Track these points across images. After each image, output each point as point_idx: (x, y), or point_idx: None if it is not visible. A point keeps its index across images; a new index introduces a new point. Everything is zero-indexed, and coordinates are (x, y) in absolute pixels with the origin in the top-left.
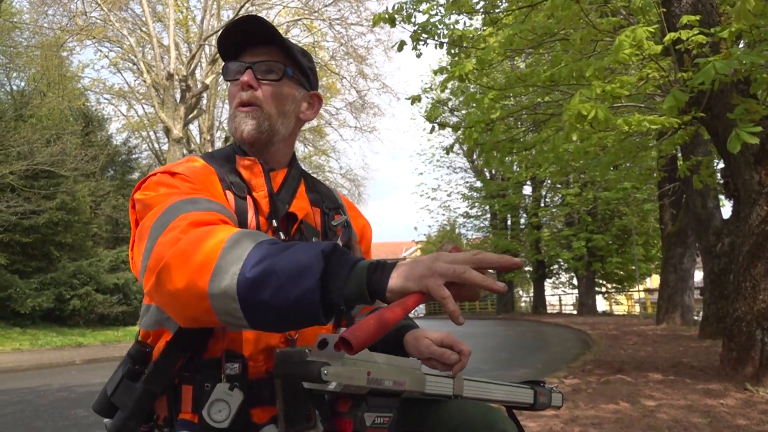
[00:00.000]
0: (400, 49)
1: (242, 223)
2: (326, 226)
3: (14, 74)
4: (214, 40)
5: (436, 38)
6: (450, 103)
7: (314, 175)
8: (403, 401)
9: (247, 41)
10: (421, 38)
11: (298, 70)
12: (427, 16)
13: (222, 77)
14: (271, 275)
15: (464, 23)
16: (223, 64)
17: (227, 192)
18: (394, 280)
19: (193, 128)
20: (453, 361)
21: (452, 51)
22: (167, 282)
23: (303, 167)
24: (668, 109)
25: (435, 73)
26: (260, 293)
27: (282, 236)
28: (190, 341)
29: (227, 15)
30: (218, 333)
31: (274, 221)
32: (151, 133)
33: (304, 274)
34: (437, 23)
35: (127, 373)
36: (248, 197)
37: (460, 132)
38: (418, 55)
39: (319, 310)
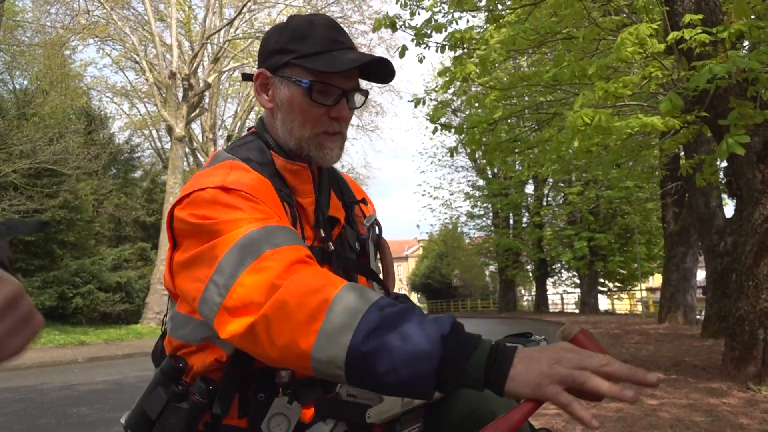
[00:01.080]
0: (401, 55)
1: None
2: (350, 221)
3: (17, 73)
4: (216, 39)
5: (438, 42)
6: (453, 105)
7: None
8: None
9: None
10: (424, 41)
11: None
12: (430, 13)
13: (293, 81)
14: (384, 354)
15: (467, 21)
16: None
17: (284, 204)
18: (512, 383)
19: (196, 127)
20: None
21: (455, 52)
22: (263, 335)
23: None
24: (666, 111)
25: (438, 74)
26: (371, 369)
27: (331, 246)
28: (246, 357)
29: (229, 13)
30: None
31: (321, 231)
32: (154, 131)
33: (421, 360)
34: (439, 24)
35: (172, 395)
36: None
37: (463, 135)
38: (420, 60)
39: (430, 394)
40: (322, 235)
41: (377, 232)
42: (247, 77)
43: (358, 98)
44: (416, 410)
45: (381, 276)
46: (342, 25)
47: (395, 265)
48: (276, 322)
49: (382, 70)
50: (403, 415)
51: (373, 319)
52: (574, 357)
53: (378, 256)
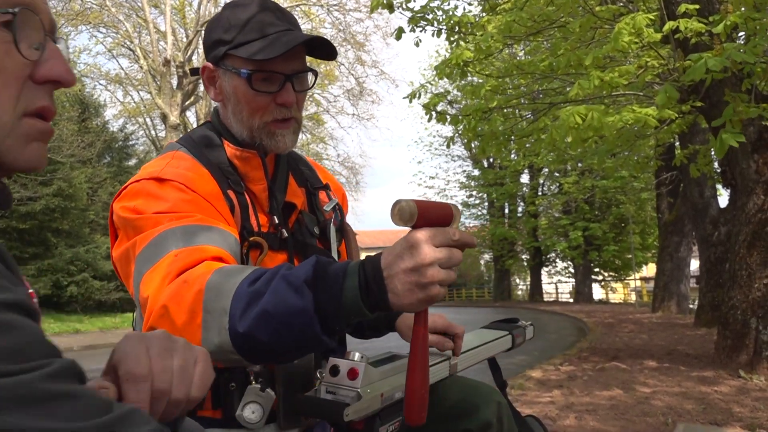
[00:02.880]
0: (398, 37)
1: (245, 220)
2: (313, 207)
3: None
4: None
5: (435, 24)
6: (449, 96)
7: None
8: None
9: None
10: (420, 24)
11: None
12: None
13: (233, 74)
14: (261, 325)
15: (464, 8)
16: (232, 60)
17: (229, 192)
18: (396, 306)
19: (190, 115)
20: (449, 348)
21: (451, 38)
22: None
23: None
24: (662, 104)
25: (435, 69)
26: (258, 344)
27: (286, 231)
28: None
29: (224, 0)
30: None
31: (275, 217)
32: (148, 119)
33: (297, 315)
34: (436, 8)
35: None
36: (245, 192)
37: (460, 125)
38: (417, 44)
39: (321, 340)
40: (276, 221)
41: (339, 217)
42: (194, 72)
43: (309, 78)
44: (397, 405)
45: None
46: (336, 11)
47: None
48: (166, 326)
49: (323, 47)
50: (383, 410)
51: (242, 295)
52: (442, 257)
53: (342, 241)
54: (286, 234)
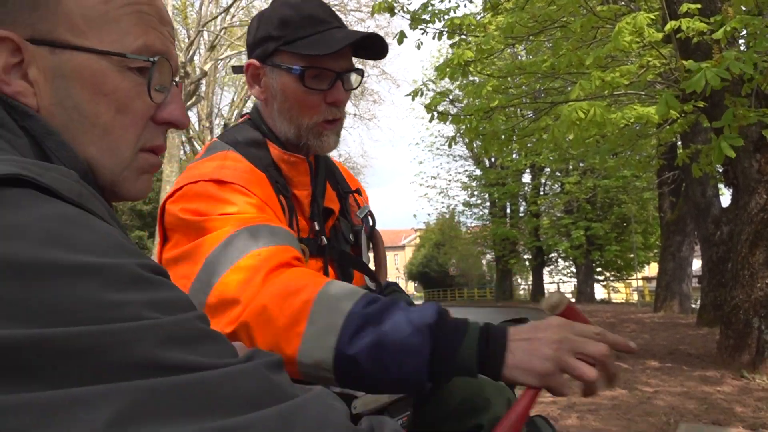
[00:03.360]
0: (400, 41)
1: (290, 225)
2: (344, 212)
3: None
4: (212, 27)
5: (436, 23)
6: (450, 95)
7: None
8: None
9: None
10: (421, 26)
11: None
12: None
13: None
14: (372, 353)
15: (464, 6)
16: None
17: (279, 197)
18: (512, 372)
19: (192, 115)
20: None
21: (452, 38)
22: (246, 340)
23: None
24: (662, 114)
25: (436, 69)
26: (360, 370)
27: (325, 238)
28: None
29: (226, 1)
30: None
31: (315, 223)
32: None
33: (411, 355)
34: (436, 11)
35: None
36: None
37: (462, 126)
38: (418, 47)
39: (425, 387)
40: (317, 228)
41: (370, 223)
42: (237, 70)
43: (354, 78)
44: (405, 399)
45: (373, 268)
46: (338, 12)
47: (392, 254)
48: (257, 328)
49: (373, 46)
50: (391, 404)
51: (357, 317)
52: (577, 340)
53: (371, 247)
54: (325, 240)
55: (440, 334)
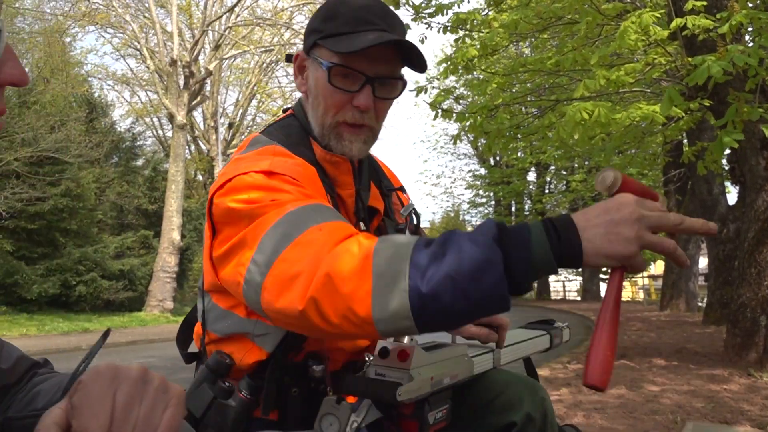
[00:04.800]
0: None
1: None
2: (388, 210)
3: None
4: (217, 26)
5: (440, 16)
6: (455, 92)
7: None
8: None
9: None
10: (425, 20)
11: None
12: None
13: (311, 64)
14: (447, 283)
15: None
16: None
17: (327, 195)
18: (592, 258)
19: (197, 115)
20: (493, 340)
21: (456, 33)
22: (315, 318)
23: None
24: (666, 110)
25: (438, 64)
26: (440, 305)
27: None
28: (286, 354)
29: (230, 0)
30: (306, 339)
31: (361, 223)
32: (155, 119)
33: (486, 271)
34: (442, 5)
35: (218, 392)
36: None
37: (466, 122)
38: (422, 41)
39: (508, 300)
40: (363, 227)
41: (414, 221)
42: (289, 58)
43: (392, 87)
44: (444, 391)
45: None
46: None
47: None
48: (325, 300)
49: (414, 57)
50: (432, 395)
51: (420, 256)
52: (653, 216)
53: None
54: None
55: (506, 240)
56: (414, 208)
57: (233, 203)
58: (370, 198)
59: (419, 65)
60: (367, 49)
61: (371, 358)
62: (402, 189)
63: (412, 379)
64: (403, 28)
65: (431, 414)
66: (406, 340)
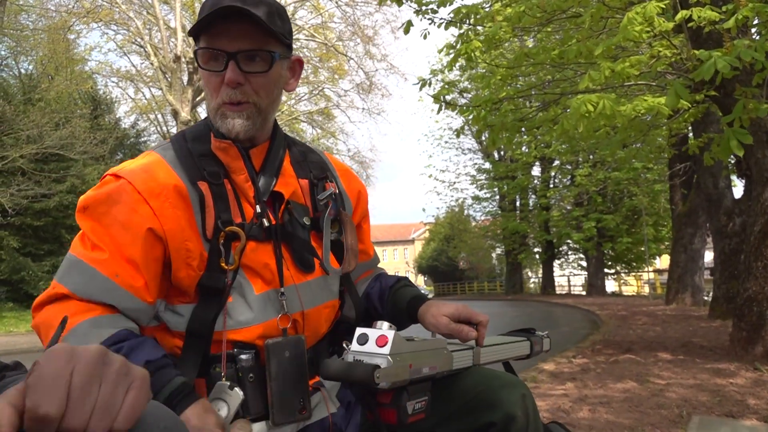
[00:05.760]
0: (406, 30)
1: (222, 211)
2: (315, 200)
3: (22, 57)
4: None
5: (441, 11)
6: (459, 85)
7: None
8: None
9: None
10: (427, 15)
11: (280, 43)
12: None
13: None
14: None
15: None
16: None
17: (200, 183)
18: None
19: (201, 111)
20: (472, 338)
21: (459, 28)
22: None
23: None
24: (671, 104)
25: (440, 51)
26: None
27: (267, 221)
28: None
29: None
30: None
31: (258, 206)
32: (159, 116)
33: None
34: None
35: None
36: (226, 181)
37: (470, 115)
38: (425, 36)
39: None
40: (258, 210)
41: (337, 207)
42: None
43: (262, 60)
44: (424, 382)
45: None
46: (345, 6)
47: (402, 248)
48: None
49: (268, 23)
50: (411, 384)
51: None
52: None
53: (344, 233)
54: (267, 223)
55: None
56: (334, 193)
57: (93, 204)
58: (277, 184)
59: (281, 33)
60: (222, 26)
61: (349, 345)
62: (334, 179)
63: (391, 364)
64: (272, 5)
65: (410, 404)
66: (384, 325)
